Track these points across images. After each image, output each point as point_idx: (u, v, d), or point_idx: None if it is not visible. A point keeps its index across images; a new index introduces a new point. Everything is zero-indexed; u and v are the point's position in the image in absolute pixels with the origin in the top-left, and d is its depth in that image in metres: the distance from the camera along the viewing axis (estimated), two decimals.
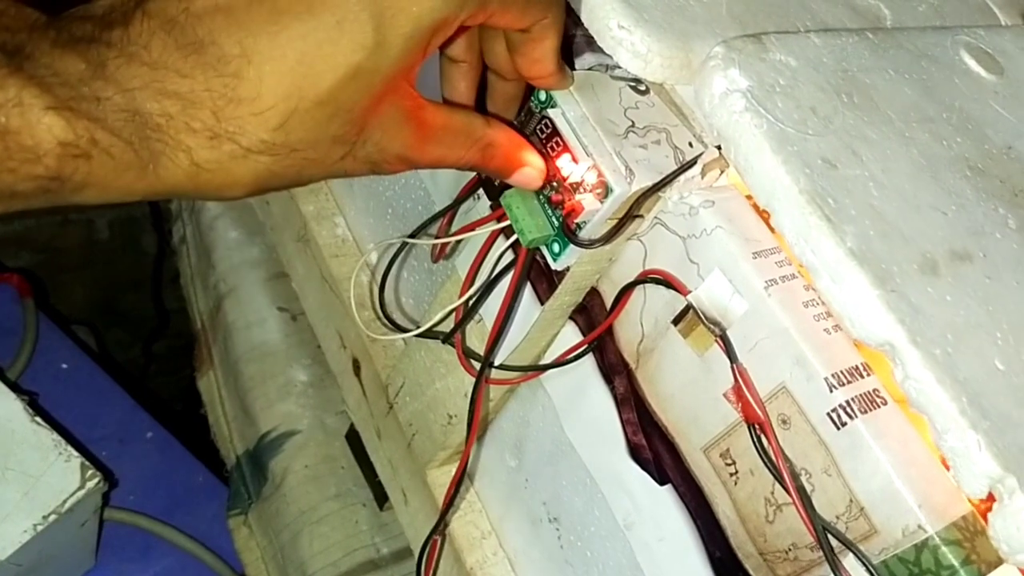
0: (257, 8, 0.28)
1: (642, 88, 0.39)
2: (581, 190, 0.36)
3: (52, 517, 0.56)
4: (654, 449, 0.41)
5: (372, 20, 0.28)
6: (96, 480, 0.59)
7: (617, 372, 0.42)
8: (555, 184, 0.37)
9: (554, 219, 0.37)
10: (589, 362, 0.43)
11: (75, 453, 0.59)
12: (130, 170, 0.27)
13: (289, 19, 0.28)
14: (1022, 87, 0.45)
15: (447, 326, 0.46)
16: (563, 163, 0.36)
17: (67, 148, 0.26)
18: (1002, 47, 0.47)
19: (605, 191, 0.35)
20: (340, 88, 0.29)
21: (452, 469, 0.54)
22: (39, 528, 0.56)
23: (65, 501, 0.57)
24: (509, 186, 0.38)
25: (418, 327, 0.47)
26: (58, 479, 0.58)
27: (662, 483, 0.41)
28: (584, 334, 0.43)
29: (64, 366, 0.80)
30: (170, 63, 0.27)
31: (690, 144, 0.38)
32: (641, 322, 0.40)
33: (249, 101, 0.28)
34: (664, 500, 0.41)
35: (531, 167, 0.36)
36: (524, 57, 0.35)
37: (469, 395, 0.46)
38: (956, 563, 0.30)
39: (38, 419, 0.61)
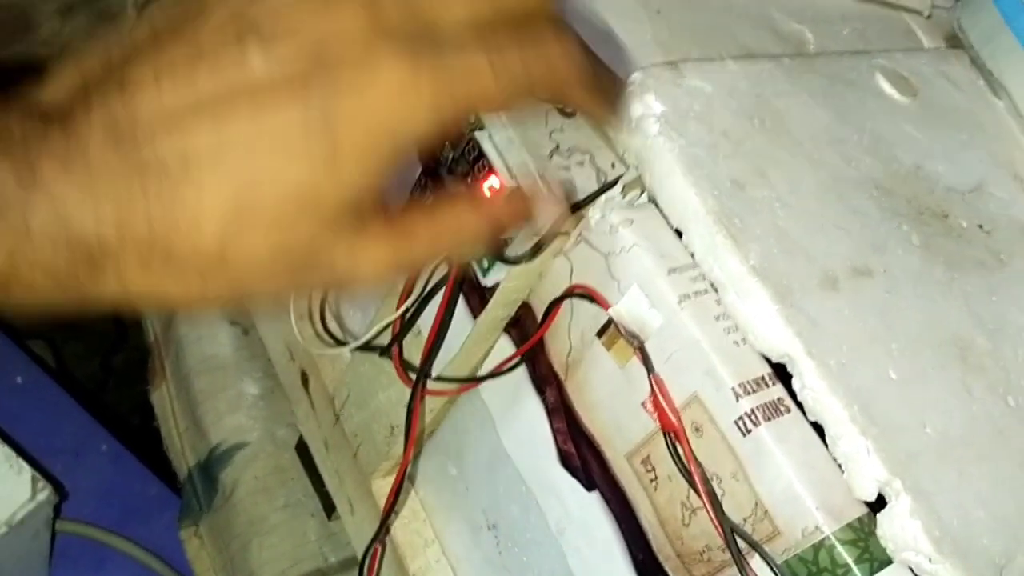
0: (204, 125, 0.26)
1: (568, 111, 0.41)
2: None
3: (2, 529, 0.57)
4: (582, 456, 0.43)
5: (324, 153, 0.26)
6: (46, 492, 0.60)
7: (548, 383, 0.44)
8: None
9: None
10: (522, 374, 0.45)
11: (25, 465, 0.60)
12: (56, 286, 0.26)
13: (236, 144, 0.26)
14: (934, 108, 0.47)
15: (390, 338, 0.48)
16: (489, 184, 0.38)
17: None
18: (918, 69, 0.49)
19: None
20: (284, 215, 0.27)
21: (395, 479, 0.55)
22: None
23: (15, 513, 0.58)
24: None
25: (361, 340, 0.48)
26: (8, 491, 0.58)
27: (590, 489, 0.42)
28: (517, 347, 0.45)
29: (19, 380, 0.81)
30: (107, 175, 0.26)
31: (613, 165, 0.40)
32: (569, 335, 0.42)
33: (186, 222, 0.26)
34: (592, 506, 0.42)
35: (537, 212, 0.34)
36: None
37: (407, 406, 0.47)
38: (850, 561, 0.32)
39: None
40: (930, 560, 0.29)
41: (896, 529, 0.30)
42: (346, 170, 0.27)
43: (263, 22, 0.27)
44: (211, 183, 0.26)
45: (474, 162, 0.38)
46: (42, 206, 0.25)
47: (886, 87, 0.47)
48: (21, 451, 0.62)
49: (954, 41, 0.56)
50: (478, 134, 0.38)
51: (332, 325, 0.52)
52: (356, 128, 0.26)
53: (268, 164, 0.26)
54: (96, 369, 1.21)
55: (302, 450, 0.65)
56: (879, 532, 0.31)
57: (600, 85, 0.32)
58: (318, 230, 0.27)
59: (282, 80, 0.26)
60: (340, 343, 0.49)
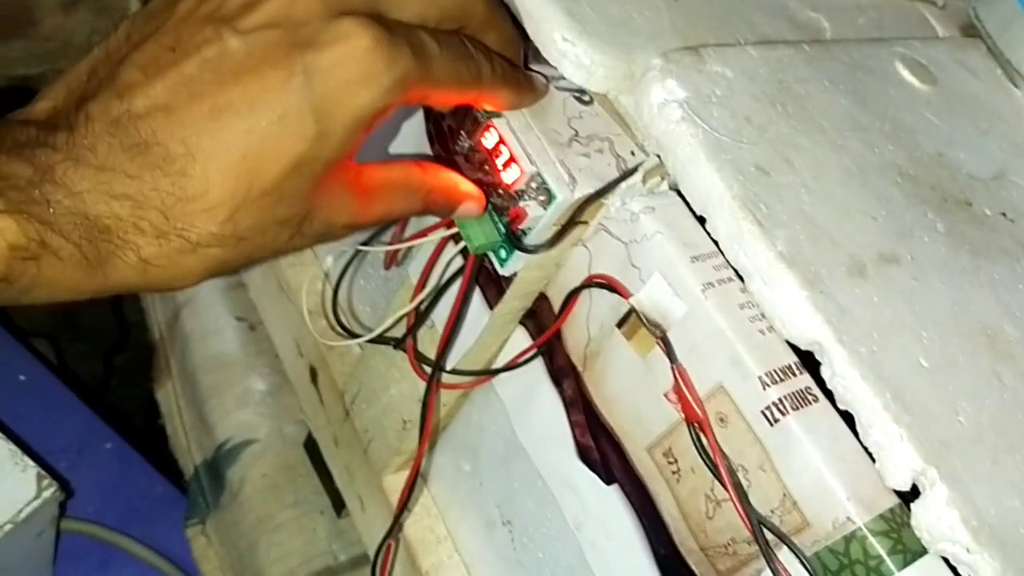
0: (198, 106, 0.29)
1: (586, 99, 0.40)
2: (525, 197, 0.37)
3: (8, 527, 0.56)
4: (601, 450, 0.42)
5: (313, 113, 0.29)
6: (52, 489, 0.59)
7: (565, 375, 0.43)
8: (501, 191, 0.38)
9: (500, 226, 0.38)
10: (539, 366, 0.44)
11: (31, 463, 0.59)
12: (79, 271, 0.28)
13: (230, 116, 0.28)
14: (954, 96, 0.47)
15: (401, 332, 0.47)
16: (508, 171, 0.37)
17: (17, 251, 0.26)
18: (936, 58, 0.49)
19: (548, 198, 0.36)
20: (285, 178, 0.29)
21: (407, 474, 0.54)
22: None
23: (21, 511, 0.57)
24: None
25: (373, 334, 0.48)
26: (13, 489, 0.58)
27: (609, 483, 0.42)
28: (534, 338, 0.44)
29: (22, 378, 0.80)
30: (117, 165, 0.28)
31: (632, 153, 0.39)
32: (587, 326, 0.41)
33: (197, 198, 0.28)
34: (611, 500, 0.42)
35: (471, 201, 0.37)
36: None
37: (422, 400, 0.46)
38: (883, 553, 0.31)
39: None
40: (968, 551, 0.29)
41: (932, 519, 0.29)
42: (335, 140, 0.29)
43: (232, 12, 0.29)
44: (216, 168, 0.28)
45: (492, 149, 0.38)
46: (59, 191, 0.27)
47: (906, 75, 0.46)
48: (26, 449, 0.61)
49: (969, 30, 0.55)
50: (496, 121, 0.37)
51: (344, 318, 0.52)
52: (341, 107, 0.29)
53: (268, 145, 0.29)
54: (99, 369, 1.20)
55: (311, 447, 0.64)
56: (914, 523, 0.30)
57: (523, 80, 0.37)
58: (312, 188, 0.30)
59: (261, 56, 0.29)
60: (352, 336, 0.49)
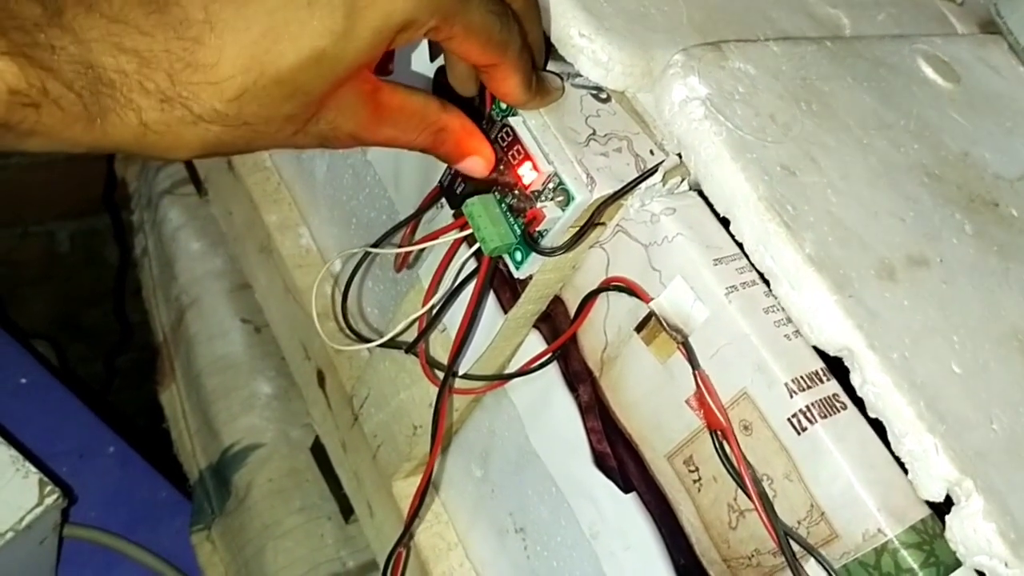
0: None
1: (603, 96, 0.39)
2: (543, 198, 0.36)
3: (9, 535, 0.55)
4: (619, 457, 0.41)
5: (344, 7, 0.28)
6: (55, 496, 0.58)
7: (581, 380, 0.42)
8: (516, 192, 0.37)
9: (516, 227, 0.37)
10: (553, 371, 0.43)
11: (33, 469, 0.58)
12: (78, 123, 0.27)
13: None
14: (977, 94, 0.46)
15: (411, 335, 0.46)
16: (524, 171, 0.36)
17: (17, 96, 0.26)
18: (958, 55, 0.48)
19: (566, 199, 0.35)
20: (301, 70, 0.28)
21: (417, 480, 0.53)
22: None
23: (23, 518, 0.56)
24: (470, 195, 0.37)
25: (382, 337, 0.46)
26: (15, 496, 0.57)
27: (627, 491, 0.41)
28: (548, 343, 0.43)
29: (23, 381, 0.79)
30: (130, 18, 0.27)
31: (651, 152, 0.38)
32: (605, 330, 0.40)
33: (206, 69, 0.28)
34: (629, 508, 0.40)
35: (480, 156, 0.36)
36: (490, 86, 0.35)
37: (434, 405, 0.45)
38: (915, 566, 0.30)
39: None
40: (1006, 565, 0.28)
41: (968, 532, 0.28)
42: (359, 41, 0.29)
43: None
44: (233, 42, 0.27)
45: (507, 148, 0.37)
46: (66, 36, 0.26)
47: (929, 72, 0.45)
48: (27, 453, 0.60)
49: (988, 27, 0.54)
50: (512, 120, 0.36)
51: (352, 321, 0.51)
52: (372, 8, 0.28)
53: (291, 30, 0.28)
54: (100, 370, 1.19)
55: (318, 451, 0.63)
56: (948, 535, 0.29)
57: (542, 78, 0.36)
58: (327, 88, 0.29)
59: None
60: (362, 339, 0.48)
